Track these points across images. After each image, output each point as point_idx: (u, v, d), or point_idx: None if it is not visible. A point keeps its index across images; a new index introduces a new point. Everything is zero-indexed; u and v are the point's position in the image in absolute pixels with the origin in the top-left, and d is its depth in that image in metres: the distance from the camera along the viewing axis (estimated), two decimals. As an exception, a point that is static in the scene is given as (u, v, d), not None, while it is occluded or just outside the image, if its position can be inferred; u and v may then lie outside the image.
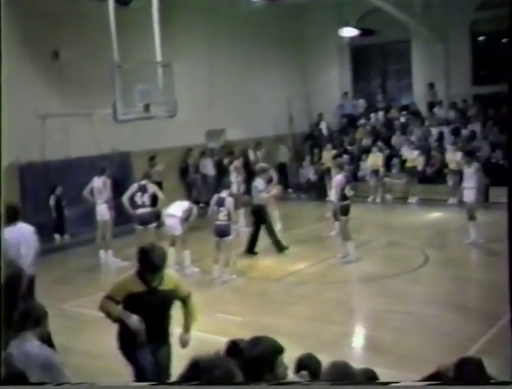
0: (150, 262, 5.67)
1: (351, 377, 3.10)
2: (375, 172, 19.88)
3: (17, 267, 3.33)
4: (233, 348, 4.05)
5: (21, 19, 14.84)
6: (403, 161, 20.03)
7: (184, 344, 6.09)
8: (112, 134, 16.30)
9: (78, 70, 15.84)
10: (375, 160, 20.05)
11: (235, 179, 16.10)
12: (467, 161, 13.94)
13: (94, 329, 9.43)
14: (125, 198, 12.76)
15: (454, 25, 21.43)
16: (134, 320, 5.66)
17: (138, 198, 12.72)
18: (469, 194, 13.49)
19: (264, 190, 13.70)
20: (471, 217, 13.43)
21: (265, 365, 3.65)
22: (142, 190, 12.77)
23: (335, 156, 15.22)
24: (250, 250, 13.58)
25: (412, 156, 19.57)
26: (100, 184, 13.32)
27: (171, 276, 6.05)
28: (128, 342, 5.77)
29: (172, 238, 12.15)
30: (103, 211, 13.35)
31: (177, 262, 12.07)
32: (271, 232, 13.79)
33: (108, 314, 5.76)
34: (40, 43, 15.60)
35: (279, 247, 13.64)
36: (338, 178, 12.66)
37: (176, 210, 12.13)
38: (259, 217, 13.70)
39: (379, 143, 21.03)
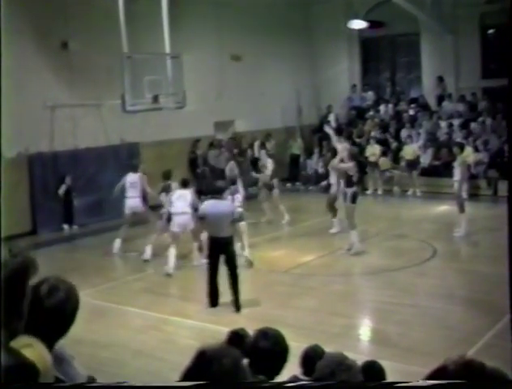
0: None
1: (346, 368, 3.10)
2: (374, 164, 19.98)
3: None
4: (235, 338, 4.05)
5: (30, 10, 14.89)
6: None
7: None
8: (120, 124, 16.37)
9: (87, 61, 15.88)
10: (372, 151, 20.17)
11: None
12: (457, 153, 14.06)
13: (102, 319, 9.52)
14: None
15: (463, 18, 21.34)
16: None
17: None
18: (455, 186, 13.86)
19: None
20: (460, 209, 13.69)
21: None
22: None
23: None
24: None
25: (410, 149, 19.69)
26: (135, 179, 13.40)
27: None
28: None
29: (176, 236, 11.77)
30: (137, 204, 13.38)
31: (182, 256, 12.16)
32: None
33: None
34: (49, 33, 15.63)
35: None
36: (349, 165, 12.62)
37: (184, 206, 11.71)
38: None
39: (386, 135, 21.07)
